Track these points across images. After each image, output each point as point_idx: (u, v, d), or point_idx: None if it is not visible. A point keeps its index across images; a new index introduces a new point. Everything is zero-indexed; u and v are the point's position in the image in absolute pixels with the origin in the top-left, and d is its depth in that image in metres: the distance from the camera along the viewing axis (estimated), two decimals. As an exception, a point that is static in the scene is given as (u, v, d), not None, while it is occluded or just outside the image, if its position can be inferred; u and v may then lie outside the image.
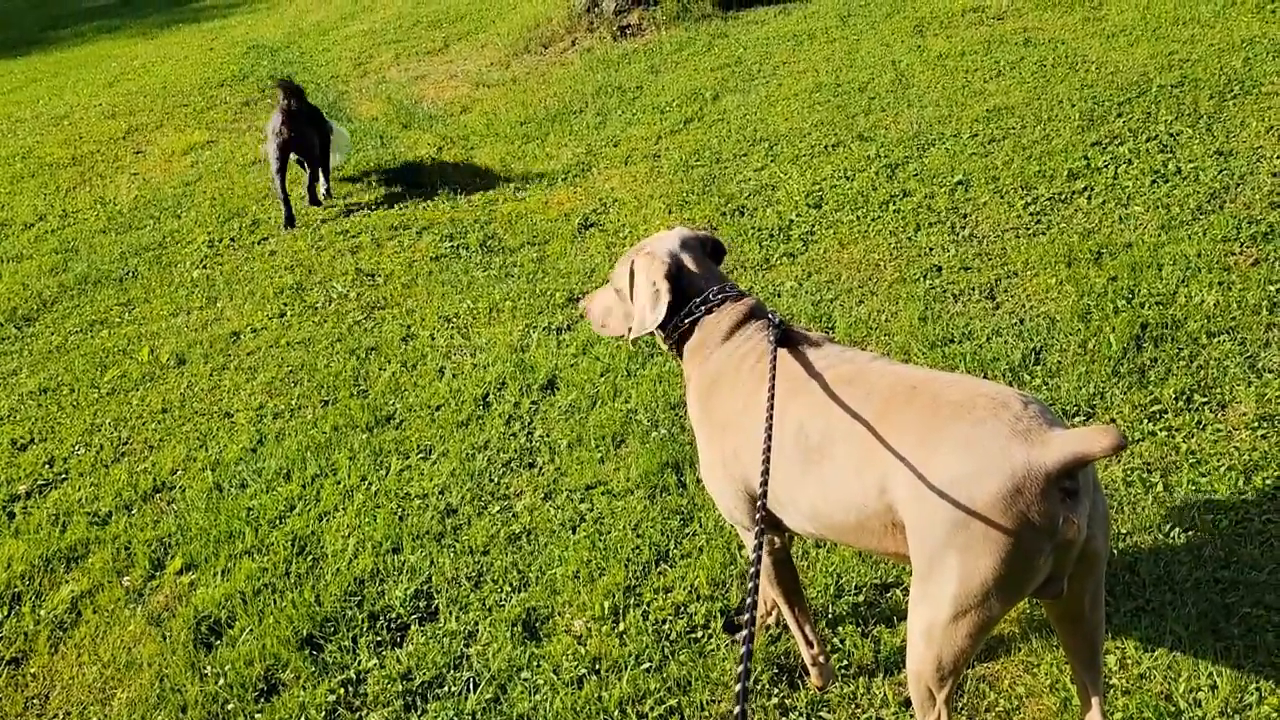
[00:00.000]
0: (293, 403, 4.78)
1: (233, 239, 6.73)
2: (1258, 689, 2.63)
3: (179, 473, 4.42)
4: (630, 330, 2.83)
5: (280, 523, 3.96)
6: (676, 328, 2.78)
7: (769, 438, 2.23)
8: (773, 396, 2.36)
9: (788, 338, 2.61)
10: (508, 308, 5.29)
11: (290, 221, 6.65)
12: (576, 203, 6.43)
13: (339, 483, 4.13)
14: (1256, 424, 3.52)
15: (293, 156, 6.72)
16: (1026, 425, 2.07)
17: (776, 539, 2.69)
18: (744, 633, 1.37)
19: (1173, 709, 2.62)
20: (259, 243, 6.62)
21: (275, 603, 3.53)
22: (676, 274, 2.76)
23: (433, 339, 5.13)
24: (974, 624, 2.13)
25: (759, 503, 1.98)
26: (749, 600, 1.60)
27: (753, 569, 1.71)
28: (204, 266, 6.41)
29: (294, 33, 12.54)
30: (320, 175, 6.90)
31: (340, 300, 5.70)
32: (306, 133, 6.60)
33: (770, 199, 5.94)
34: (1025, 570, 2.06)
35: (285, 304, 5.75)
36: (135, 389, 5.15)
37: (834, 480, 2.34)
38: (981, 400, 2.16)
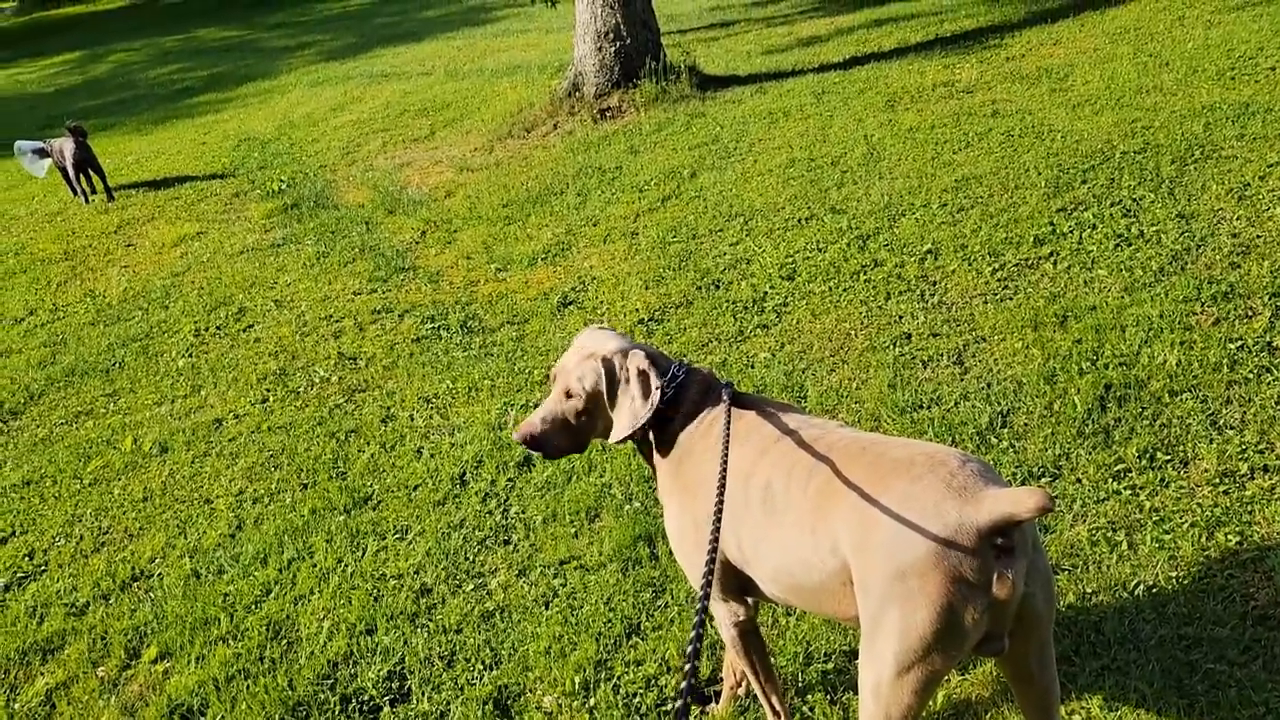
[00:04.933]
0: (272, 487, 4.81)
1: (218, 327, 6.82)
2: (1222, 746, 2.63)
3: (157, 560, 4.44)
4: (615, 432, 2.78)
5: (256, 607, 3.97)
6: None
7: (721, 491, 2.29)
8: (725, 458, 2.42)
9: (756, 404, 2.69)
10: (486, 386, 5.35)
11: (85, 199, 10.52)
12: (556, 281, 6.53)
13: (315, 565, 4.15)
14: (1218, 480, 3.55)
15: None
16: (962, 482, 2.12)
17: (743, 610, 2.72)
18: (683, 693, 1.40)
19: (1137, 768, 2.61)
20: (244, 330, 6.71)
21: (248, 688, 3.52)
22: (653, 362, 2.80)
23: (412, 419, 5.18)
24: (918, 680, 2.16)
25: (709, 548, 2.02)
26: (689, 648, 1.62)
27: (697, 616, 1.76)
28: (189, 355, 6.49)
29: (284, 125, 12.83)
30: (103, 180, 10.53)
31: (322, 384, 5.76)
32: (90, 154, 10.32)
33: (745, 272, 6.05)
34: (959, 625, 2.10)
35: (268, 389, 5.82)
36: (117, 478, 5.18)
37: (793, 538, 2.40)
38: (920, 458, 2.23)
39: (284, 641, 3.76)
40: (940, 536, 2.08)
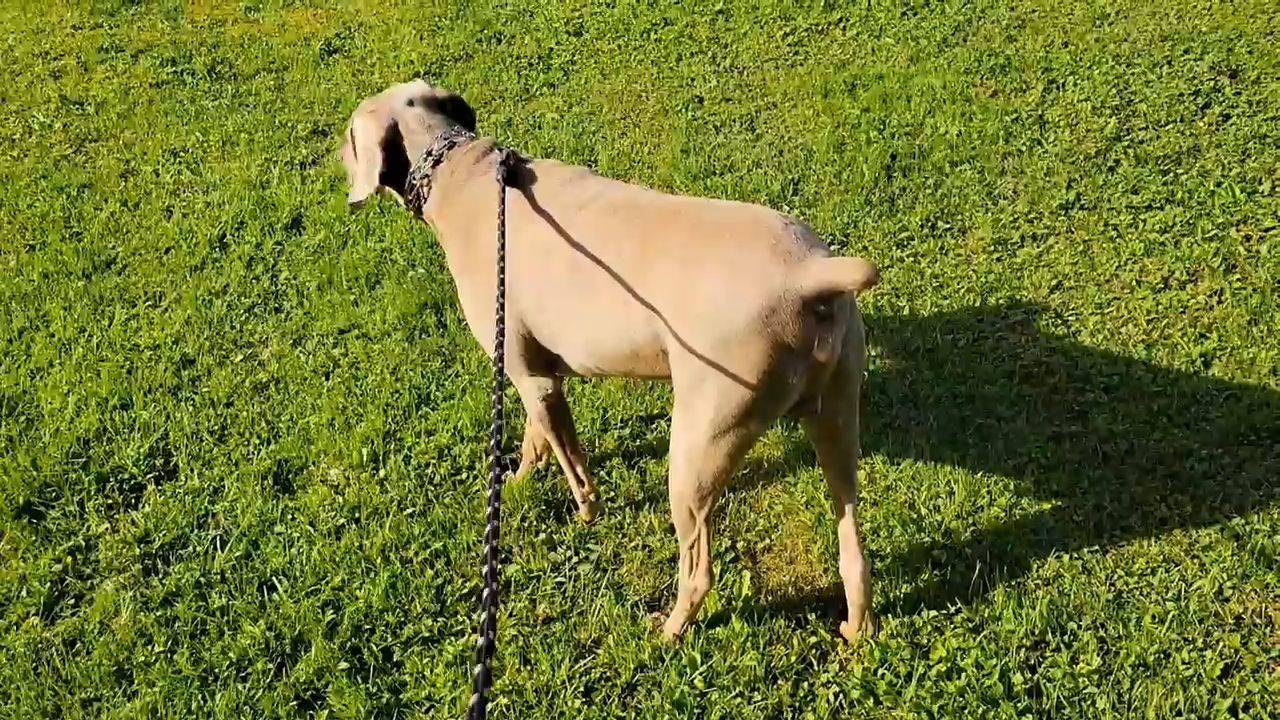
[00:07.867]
0: (-9, 249, 4.21)
1: (-97, 61, 5.76)
2: (989, 492, 2.83)
3: None
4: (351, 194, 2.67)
5: (-16, 383, 3.52)
6: (411, 188, 2.60)
7: (502, 271, 2.12)
8: (503, 229, 2.24)
9: (548, 170, 2.49)
10: (244, 140, 4.82)
11: None
12: (317, 26, 5.88)
13: (53, 335, 3.69)
14: (992, 248, 3.71)
15: None
16: (786, 247, 2.04)
17: (550, 384, 2.61)
18: (491, 475, 1.28)
19: (915, 516, 2.78)
20: (-63, 65, 5.70)
21: (-16, 471, 3.15)
22: (393, 137, 2.60)
23: (157, 175, 4.61)
24: (732, 443, 2.14)
25: (496, 328, 1.87)
26: (492, 441, 1.49)
27: (494, 398, 1.62)
28: None
29: None
30: None
31: (43, 132, 5.01)
32: None
33: (528, 25, 5.65)
34: (779, 389, 2.08)
35: (-25, 136, 5.01)
36: None
37: (606, 311, 2.28)
38: (742, 222, 2.12)
39: (21, 418, 3.36)
40: (765, 303, 2.01)
